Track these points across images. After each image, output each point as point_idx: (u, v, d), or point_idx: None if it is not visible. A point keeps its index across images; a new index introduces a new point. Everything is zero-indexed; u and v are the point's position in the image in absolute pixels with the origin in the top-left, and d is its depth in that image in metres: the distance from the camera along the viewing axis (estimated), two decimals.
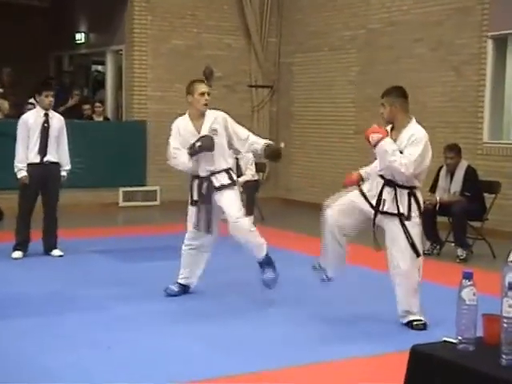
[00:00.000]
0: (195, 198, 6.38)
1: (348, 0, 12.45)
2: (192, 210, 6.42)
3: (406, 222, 5.63)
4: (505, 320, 2.60)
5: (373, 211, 5.70)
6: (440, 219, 8.89)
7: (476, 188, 8.73)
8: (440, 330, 3.10)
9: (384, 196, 5.66)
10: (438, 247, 8.90)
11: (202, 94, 6.33)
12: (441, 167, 8.99)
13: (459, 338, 2.78)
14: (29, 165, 7.98)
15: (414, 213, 5.68)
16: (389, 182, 5.65)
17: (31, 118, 8.09)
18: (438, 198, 8.76)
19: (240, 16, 13.56)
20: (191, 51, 13.21)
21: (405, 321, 5.75)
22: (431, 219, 8.81)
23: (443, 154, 8.89)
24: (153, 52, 12.92)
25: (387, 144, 5.53)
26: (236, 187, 6.47)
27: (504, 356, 2.59)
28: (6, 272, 7.47)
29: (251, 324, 5.84)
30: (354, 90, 12.41)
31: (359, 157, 12.28)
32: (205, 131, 6.32)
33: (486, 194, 8.89)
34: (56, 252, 8.19)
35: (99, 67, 15.95)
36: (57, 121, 8.19)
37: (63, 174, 8.22)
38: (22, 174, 7.96)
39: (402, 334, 5.47)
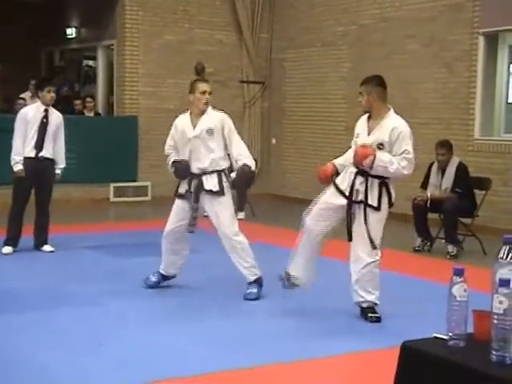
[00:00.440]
0: (181, 191, 6.43)
1: None
2: (178, 203, 6.47)
3: (376, 213, 5.64)
4: (495, 316, 2.60)
5: (347, 203, 5.69)
6: (431, 215, 8.91)
7: (467, 184, 8.75)
8: (430, 327, 3.10)
9: (357, 186, 5.67)
10: (428, 243, 8.92)
11: (203, 92, 6.38)
12: (432, 163, 9.00)
13: (450, 334, 2.78)
14: (24, 158, 7.96)
15: (384, 204, 5.67)
16: (361, 172, 5.65)
17: (31, 112, 8.07)
18: (429, 195, 8.78)
19: (231, 12, 13.54)
20: (183, 46, 13.18)
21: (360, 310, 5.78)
22: (422, 215, 8.83)
23: (435, 150, 8.90)
24: (144, 47, 12.89)
25: (382, 160, 5.52)
26: (226, 193, 6.40)
27: (494, 352, 2.60)
28: None
29: (242, 319, 5.85)
30: (345, 86, 12.41)
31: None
32: (200, 129, 6.36)
33: (476, 191, 8.91)
34: (47, 247, 8.16)
35: (90, 62, 15.90)
36: (56, 117, 8.17)
37: (57, 171, 8.20)
38: (18, 167, 7.93)
39: (392, 329, 5.48)
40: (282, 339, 5.33)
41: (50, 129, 8.06)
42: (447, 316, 2.79)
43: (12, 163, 7.96)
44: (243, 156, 6.36)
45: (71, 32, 15.10)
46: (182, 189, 6.43)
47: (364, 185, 5.63)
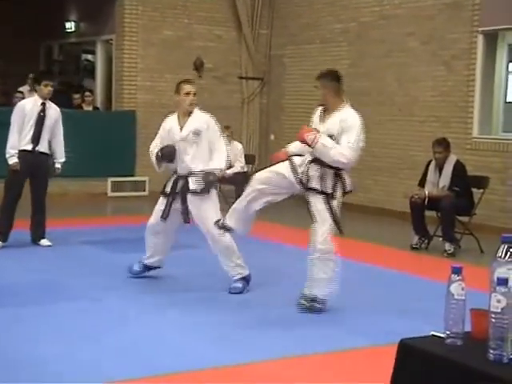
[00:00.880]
0: (167, 190, 6.56)
1: None
2: (161, 201, 6.62)
3: (331, 201, 5.76)
4: (493, 315, 2.60)
5: (298, 185, 5.86)
6: (428, 213, 8.92)
7: (464, 183, 8.76)
8: (428, 325, 3.10)
9: (311, 173, 5.80)
10: (426, 241, 8.93)
11: (188, 93, 6.50)
12: (430, 161, 9.01)
13: (447, 332, 2.78)
14: (20, 151, 7.92)
15: (339, 192, 5.82)
16: (316, 160, 5.78)
17: (28, 106, 8.02)
18: (426, 193, 8.78)
19: (231, 7, 13.53)
20: (182, 42, 13.17)
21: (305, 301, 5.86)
22: (419, 213, 8.84)
23: (432, 148, 8.91)
24: (143, 42, 12.88)
25: (324, 139, 5.67)
26: (211, 193, 6.49)
27: (492, 351, 2.60)
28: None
29: (236, 315, 5.86)
30: (344, 83, 12.35)
31: None
32: (187, 130, 6.48)
33: (474, 189, 8.92)
34: (44, 242, 8.15)
35: (89, 56, 15.88)
36: (53, 111, 8.13)
37: (57, 166, 8.18)
38: (13, 160, 7.89)
39: (388, 327, 5.48)
40: (277, 334, 5.34)
41: (47, 123, 8.02)
42: (445, 314, 2.79)
43: (7, 156, 7.92)
44: (213, 160, 6.47)
45: (70, 26, 15.09)
46: (168, 188, 6.57)
47: (319, 172, 5.77)
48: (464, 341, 2.76)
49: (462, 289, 2.77)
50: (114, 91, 13.35)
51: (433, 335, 2.86)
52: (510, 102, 11.77)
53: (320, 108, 6.01)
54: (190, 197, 6.44)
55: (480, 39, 10.30)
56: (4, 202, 8.07)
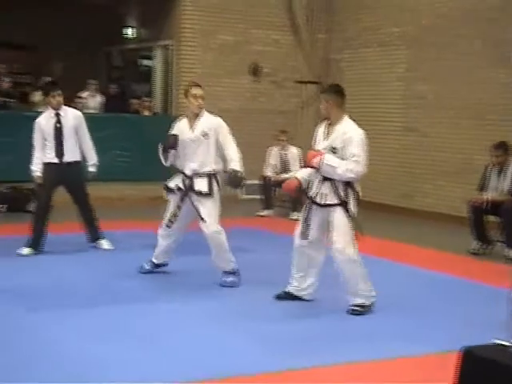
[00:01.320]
0: (171, 186, 6.82)
1: None
2: (169, 198, 6.88)
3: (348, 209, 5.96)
4: None
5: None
6: (491, 218, 8.77)
7: None
8: (489, 332, 3.04)
9: (324, 191, 5.96)
10: (486, 247, 8.78)
11: (195, 96, 6.74)
12: (488, 165, 8.87)
13: (511, 340, 2.73)
14: (47, 164, 7.90)
15: (352, 200, 6.03)
16: (326, 178, 5.94)
17: (43, 121, 7.96)
18: (486, 197, 8.64)
19: (288, 12, 13.52)
20: (239, 46, 13.22)
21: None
22: (479, 218, 8.71)
23: (490, 152, 8.78)
24: (201, 47, 12.96)
25: (328, 159, 5.83)
26: (215, 195, 6.69)
27: None
28: (58, 264, 7.54)
29: (291, 322, 5.84)
30: (402, 87, 12.30)
31: (407, 154, 12.19)
32: (196, 132, 6.69)
33: None
34: (104, 244, 8.23)
35: (147, 62, 16.04)
36: (71, 118, 8.02)
37: (91, 169, 8.17)
38: (34, 174, 7.95)
39: (448, 334, 5.39)
40: (330, 341, 5.30)
41: (66, 131, 7.91)
42: (508, 322, 2.73)
43: (32, 173, 7.99)
44: (234, 161, 6.62)
45: (129, 32, 15.27)
46: (173, 184, 6.82)
47: (331, 187, 5.93)
48: None
49: None
50: (172, 96, 13.46)
51: (496, 343, 2.81)
52: None
53: (325, 123, 6.12)
54: (194, 196, 6.66)
55: None
56: (35, 212, 8.12)
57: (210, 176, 6.68)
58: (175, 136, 6.75)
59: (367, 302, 5.99)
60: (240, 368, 4.69)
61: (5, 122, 11.61)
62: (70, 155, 7.96)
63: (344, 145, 5.86)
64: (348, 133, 5.90)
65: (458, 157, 11.27)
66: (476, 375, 2.67)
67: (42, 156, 7.92)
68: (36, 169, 7.94)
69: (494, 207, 8.52)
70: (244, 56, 13.19)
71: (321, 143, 6.02)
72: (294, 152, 11.51)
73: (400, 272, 7.66)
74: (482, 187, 8.88)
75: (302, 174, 6.26)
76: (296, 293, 6.31)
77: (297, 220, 10.69)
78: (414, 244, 8.95)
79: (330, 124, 6.04)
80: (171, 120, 13.70)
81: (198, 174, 6.66)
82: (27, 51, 16.06)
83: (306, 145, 13.50)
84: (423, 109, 11.87)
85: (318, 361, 4.83)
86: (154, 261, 7.16)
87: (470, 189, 9.49)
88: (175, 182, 6.82)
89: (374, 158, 12.59)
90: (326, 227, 6.06)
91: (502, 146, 8.74)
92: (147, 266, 7.16)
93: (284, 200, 11.62)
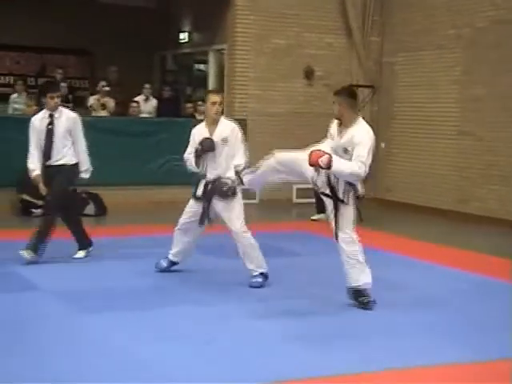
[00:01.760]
0: (199, 194, 6.99)
1: None
2: (192, 203, 7.10)
3: (344, 205, 6.14)
4: None
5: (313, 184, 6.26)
6: None
7: None
8: None
9: (323, 180, 6.15)
10: None
11: (213, 103, 6.90)
12: None
13: None
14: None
15: (351, 198, 6.15)
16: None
17: (37, 121, 7.75)
18: None
19: (342, 15, 13.46)
20: (292, 50, 13.21)
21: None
22: None
23: None
24: (254, 51, 12.99)
25: (338, 161, 5.91)
26: (238, 196, 6.89)
27: None
28: (109, 266, 7.64)
29: (337, 324, 5.82)
30: (457, 90, 12.13)
31: (461, 158, 12.03)
32: (216, 138, 6.87)
33: None
34: (78, 254, 7.94)
35: (201, 66, 16.17)
36: (65, 120, 7.76)
37: (84, 175, 7.85)
38: (32, 173, 7.74)
39: (499, 341, 5.29)
40: (381, 344, 5.26)
41: (58, 134, 7.67)
42: None
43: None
44: (230, 171, 6.82)
45: (184, 36, 15.40)
46: (200, 191, 6.99)
47: (332, 181, 6.11)
48: None
49: None
50: (226, 100, 13.52)
51: None
52: None
53: (336, 121, 6.26)
54: (216, 200, 6.87)
55: None
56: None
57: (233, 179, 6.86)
58: (211, 139, 6.87)
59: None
60: (296, 370, 4.69)
61: None
62: (60, 158, 7.71)
63: (354, 147, 5.99)
64: (357, 136, 6.01)
65: None
66: None
67: (39, 155, 7.70)
68: (33, 167, 7.71)
69: None
70: (297, 59, 13.18)
71: (335, 140, 6.16)
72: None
73: (455, 278, 7.56)
74: None
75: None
76: None
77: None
78: (471, 250, 8.82)
79: (342, 124, 6.17)
80: None
81: (220, 178, 6.86)
82: (83, 56, 16.34)
83: None
84: (479, 112, 11.69)
85: (368, 366, 4.80)
86: (172, 258, 7.32)
87: None
88: (201, 190, 6.99)
89: (428, 161, 12.56)
90: None
91: None
92: (164, 264, 7.33)
93: None
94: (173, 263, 7.35)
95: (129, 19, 15.62)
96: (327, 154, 5.91)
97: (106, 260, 7.78)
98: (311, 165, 5.97)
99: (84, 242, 7.97)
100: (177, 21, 15.53)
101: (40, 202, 10.85)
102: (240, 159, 6.88)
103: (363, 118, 6.21)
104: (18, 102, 13.04)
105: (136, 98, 13.23)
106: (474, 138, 11.73)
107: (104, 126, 11.94)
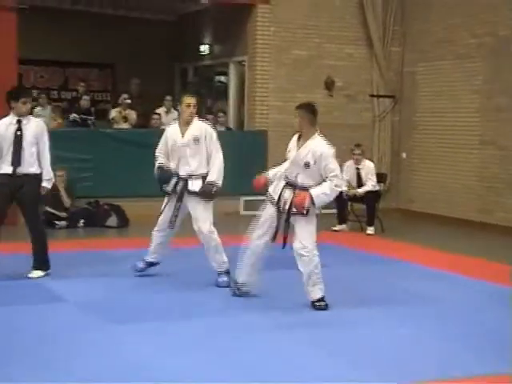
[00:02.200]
0: (169, 189, 7.31)
1: (475, 7, 12.13)
2: (165, 201, 7.40)
3: (305, 217, 6.38)
4: None
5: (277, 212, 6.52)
6: None
7: None
8: None
9: (285, 196, 6.46)
10: None
11: (188, 105, 7.25)
12: None
13: None
14: (1, 175, 7.32)
15: (311, 208, 6.38)
16: (290, 184, 6.48)
17: (2, 126, 7.38)
18: None
19: (362, 25, 13.47)
20: (312, 61, 13.23)
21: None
22: None
23: None
24: (275, 62, 13.02)
25: (317, 194, 6.31)
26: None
27: None
28: (135, 279, 7.65)
29: (382, 337, 5.80)
30: (479, 100, 12.08)
31: (484, 167, 11.96)
32: (187, 137, 7.22)
33: None
34: (34, 273, 7.50)
35: (222, 78, 16.23)
36: (33, 127, 7.43)
37: (44, 184, 7.45)
38: None
39: None
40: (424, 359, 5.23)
41: (27, 140, 7.33)
42: None
43: None
44: (212, 172, 7.25)
45: (204, 49, 15.47)
46: (169, 187, 7.32)
47: (291, 194, 6.40)
48: None
49: None
50: (246, 111, 13.56)
51: None
52: None
53: (296, 135, 6.63)
54: (187, 197, 7.22)
55: None
56: None
57: (204, 177, 7.24)
58: (169, 173, 7.30)
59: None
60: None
61: (84, 140, 11.90)
62: (28, 166, 7.36)
63: (316, 161, 6.32)
64: (319, 150, 6.34)
65: None
66: None
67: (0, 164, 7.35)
68: None
69: None
70: (317, 70, 13.19)
71: (294, 155, 6.48)
72: (368, 166, 11.42)
73: (476, 288, 7.51)
74: None
75: (270, 172, 6.89)
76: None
77: (370, 235, 10.70)
78: (499, 261, 8.76)
79: (301, 137, 6.54)
80: (245, 135, 13.89)
81: (192, 176, 7.23)
82: (105, 69, 16.47)
83: (380, 158, 13.47)
84: (501, 121, 11.63)
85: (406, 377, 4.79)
86: (148, 259, 7.59)
87: None
88: (171, 185, 7.31)
89: (450, 171, 12.51)
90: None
91: None
92: (141, 265, 7.60)
93: (359, 215, 11.54)
94: (150, 264, 7.62)
95: (150, 32, 15.73)
96: (303, 193, 6.27)
97: (128, 272, 7.79)
98: (299, 211, 6.33)
99: (44, 263, 7.56)
100: (197, 33, 15.61)
101: (63, 214, 11.01)
102: (213, 175, 7.24)
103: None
104: (41, 115, 13.15)
105: (157, 110, 13.29)
106: (496, 148, 11.67)
107: (126, 138, 12.03)
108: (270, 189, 6.71)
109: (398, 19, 13.58)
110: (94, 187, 11.62)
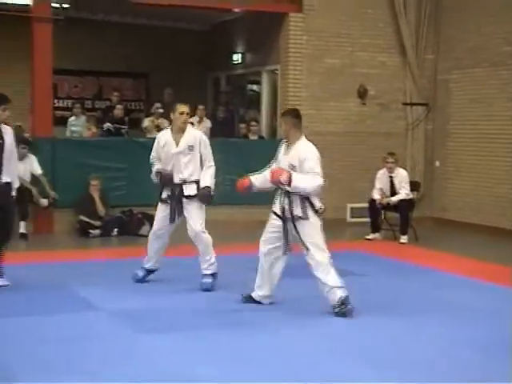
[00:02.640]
0: (163, 197, 7.54)
1: (510, 14, 12.01)
2: (160, 207, 7.60)
3: (304, 221, 6.49)
4: None
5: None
6: None
7: None
8: None
9: (284, 205, 6.57)
10: None
11: (181, 113, 7.43)
12: None
13: None
14: None
15: (310, 212, 6.50)
16: (285, 193, 6.54)
17: None
18: None
19: (395, 33, 13.40)
20: (345, 70, 13.19)
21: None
22: None
23: None
24: (307, 71, 13.01)
25: (298, 178, 6.40)
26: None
27: None
28: (165, 286, 7.67)
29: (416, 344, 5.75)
30: None
31: None
32: (182, 145, 7.41)
33: None
34: None
35: (254, 87, 16.26)
36: (9, 135, 7.29)
37: (13, 193, 7.37)
38: None
39: None
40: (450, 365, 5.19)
41: (7, 149, 7.20)
42: None
43: None
44: (207, 178, 7.45)
45: (237, 58, 15.52)
46: (165, 195, 7.54)
47: (288, 202, 6.52)
48: None
49: None
50: (279, 120, 13.55)
51: None
52: None
53: (285, 142, 6.75)
54: (184, 201, 7.43)
55: None
56: None
57: (198, 182, 7.45)
58: (170, 176, 7.44)
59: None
60: None
61: (118, 149, 11.99)
62: (9, 175, 7.24)
63: (301, 162, 6.46)
64: (303, 152, 6.51)
65: None
66: None
67: None
68: None
69: None
70: (349, 79, 13.15)
71: (282, 160, 6.64)
72: (402, 174, 11.36)
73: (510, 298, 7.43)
74: None
75: (253, 176, 6.91)
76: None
77: (404, 243, 10.63)
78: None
79: (288, 143, 6.67)
80: (278, 144, 13.84)
81: (186, 182, 7.42)
82: (138, 79, 16.59)
83: (414, 167, 13.38)
84: None
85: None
86: (146, 267, 7.76)
87: None
88: (166, 193, 7.52)
89: (485, 179, 12.38)
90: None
91: None
92: (141, 273, 7.75)
93: (392, 223, 11.48)
94: (149, 271, 7.79)
95: (183, 41, 15.84)
96: (286, 171, 6.39)
97: (160, 280, 7.83)
98: (273, 183, 6.50)
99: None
100: (230, 42, 15.67)
101: (97, 223, 11.09)
102: (207, 180, 7.43)
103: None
104: (75, 124, 13.32)
105: (190, 119, 13.33)
106: None
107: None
108: (276, 201, 6.75)
109: (432, 26, 13.50)
110: (127, 196, 11.70)
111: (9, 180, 7.26)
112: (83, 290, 7.39)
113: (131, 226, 11.21)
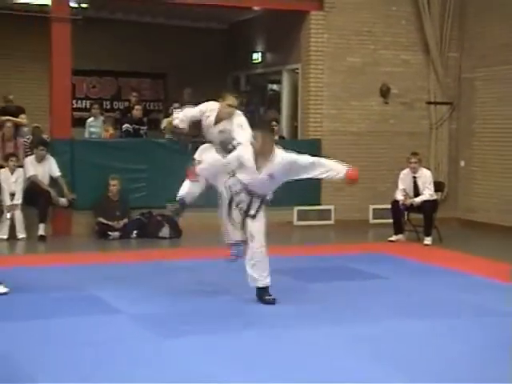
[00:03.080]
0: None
1: None
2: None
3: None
4: None
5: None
6: None
7: None
8: None
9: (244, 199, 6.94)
10: None
11: (229, 105, 7.32)
12: None
13: None
14: None
15: (262, 213, 6.94)
16: (247, 191, 6.94)
17: None
18: None
19: (418, 31, 13.19)
20: (367, 68, 13.00)
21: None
22: None
23: None
24: (329, 70, 12.83)
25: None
26: None
27: None
28: (192, 289, 7.55)
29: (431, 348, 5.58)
30: None
31: None
32: (219, 127, 7.37)
33: None
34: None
35: (274, 86, 16.11)
36: None
37: None
38: None
39: None
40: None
41: None
42: None
43: None
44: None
45: (257, 57, 15.38)
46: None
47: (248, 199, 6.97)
48: None
49: None
50: (300, 120, 13.38)
51: None
52: None
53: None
54: None
55: None
56: None
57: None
58: (187, 142, 7.86)
59: None
60: None
61: (137, 149, 11.88)
62: None
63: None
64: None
65: None
66: None
67: None
68: None
69: None
70: (372, 77, 12.96)
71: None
72: (425, 174, 11.15)
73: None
74: None
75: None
76: None
77: (428, 245, 10.44)
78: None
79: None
80: (298, 144, 13.70)
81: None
82: (157, 79, 16.50)
83: (438, 167, 13.15)
84: None
85: None
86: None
87: None
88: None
89: (509, 179, 12.12)
90: None
91: None
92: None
93: (416, 224, 11.27)
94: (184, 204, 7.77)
95: (202, 41, 15.71)
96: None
97: (182, 283, 7.71)
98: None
99: None
100: (249, 41, 15.53)
101: (116, 225, 10.98)
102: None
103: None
104: (93, 125, 13.22)
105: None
106: None
107: (178, 148, 11.94)
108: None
109: (456, 23, 13.26)
110: (147, 197, 11.59)
111: None
112: (102, 292, 7.28)
113: (150, 229, 11.10)
